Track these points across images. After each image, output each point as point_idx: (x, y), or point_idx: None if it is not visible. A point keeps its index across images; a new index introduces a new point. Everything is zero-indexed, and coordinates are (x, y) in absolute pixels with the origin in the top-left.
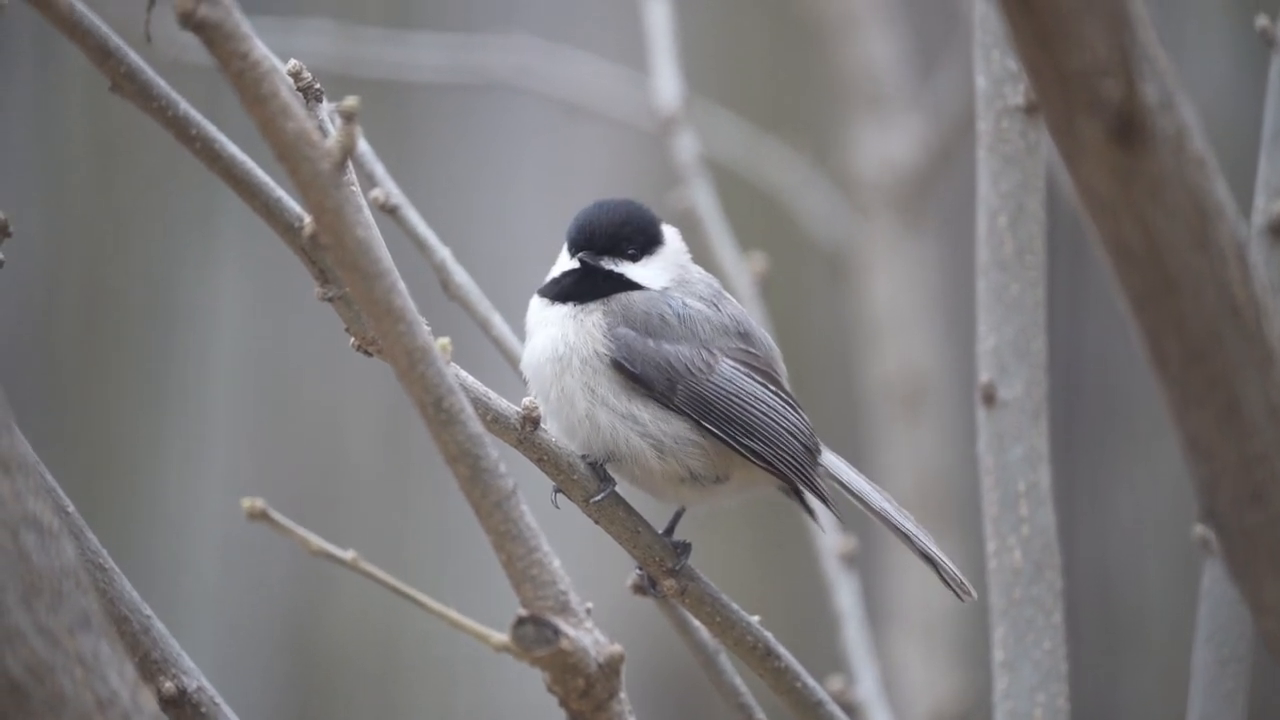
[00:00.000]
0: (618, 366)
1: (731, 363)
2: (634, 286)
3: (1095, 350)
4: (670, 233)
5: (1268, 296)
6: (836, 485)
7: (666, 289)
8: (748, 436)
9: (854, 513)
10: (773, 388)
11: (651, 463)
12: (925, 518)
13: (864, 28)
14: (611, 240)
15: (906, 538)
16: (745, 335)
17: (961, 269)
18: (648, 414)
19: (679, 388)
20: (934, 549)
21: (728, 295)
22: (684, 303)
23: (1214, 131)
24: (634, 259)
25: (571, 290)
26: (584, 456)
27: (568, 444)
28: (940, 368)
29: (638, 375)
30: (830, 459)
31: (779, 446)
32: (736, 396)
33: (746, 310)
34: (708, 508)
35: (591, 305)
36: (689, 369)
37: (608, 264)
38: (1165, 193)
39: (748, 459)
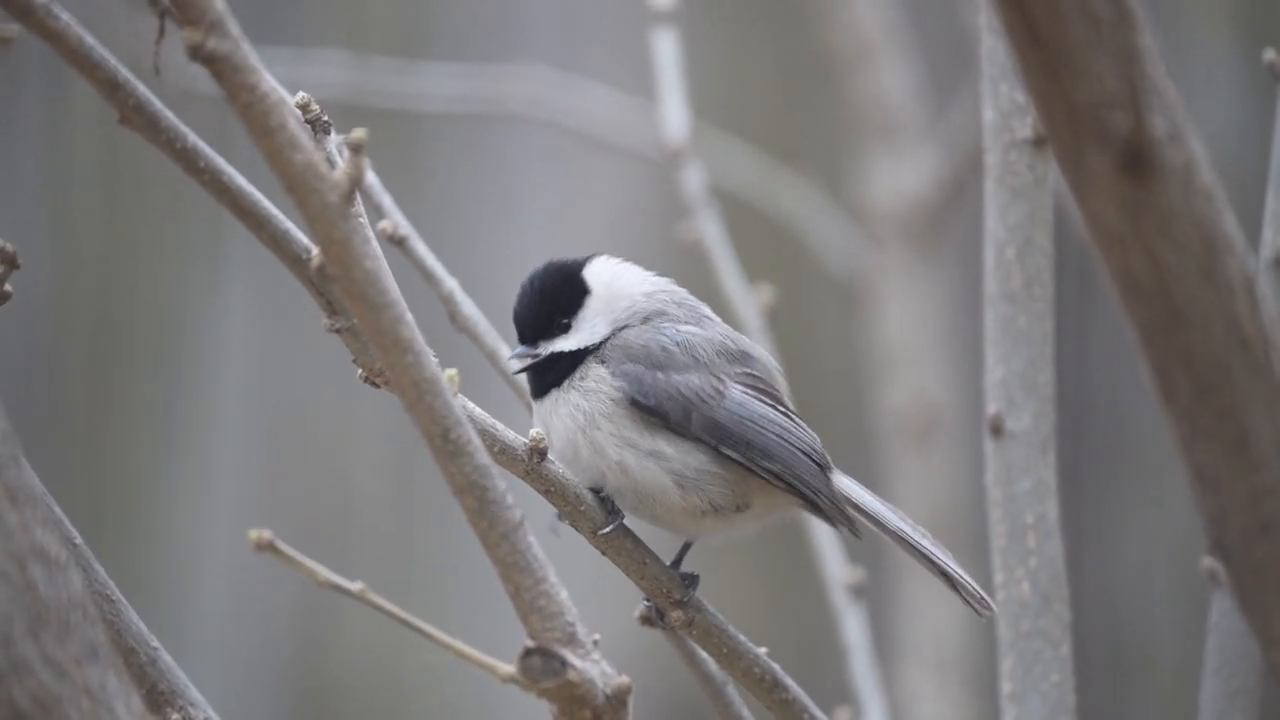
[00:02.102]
0: (633, 403)
1: (740, 387)
2: (577, 355)
3: (1103, 383)
4: (598, 271)
5: (1276, 329)
6: (850, 508)
7: (649, 318)
8: (767, 459)
9: (863, 543)
10: (781, 408)
11: (674, 499)
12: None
13: (876, 59)
14: (537, 324)
15: (924, 556)
16: (743, 355)
17: (974, 300)
18: (670, 448)
19: (694, 415)
20: (952, 565)
21: (706, 310)
22: (676, 329)
23: (1222, 164)
24: (566, 329)
25: (542, 382)
26: (596, 490)
27: (574, 476)
28: (952, 399)
29: (653, 408)
30: (843, 481)
31: (796, 466)
32: (751, 420)
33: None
34: (725, 538)
35: (580, 371)
36: (700, 396)
37: (544, 348)
38: (1173, 225)
39: (768, 482)
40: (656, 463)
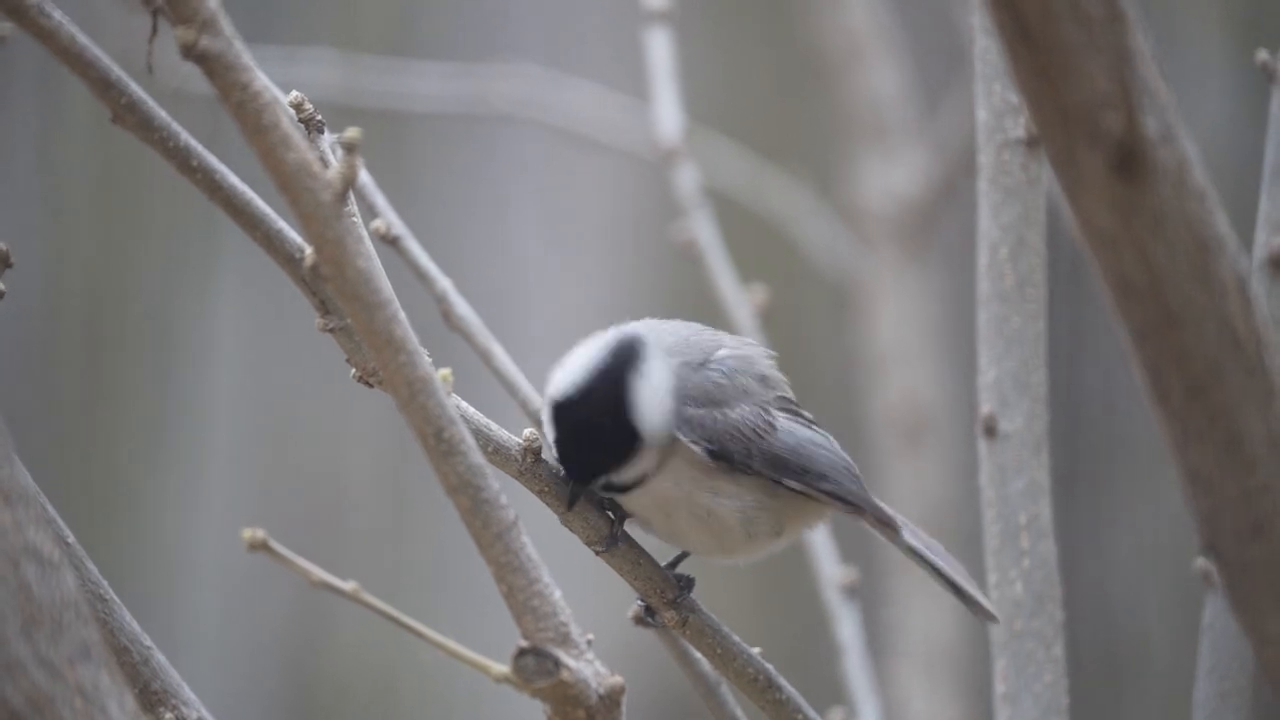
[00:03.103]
0: (710, 454)
1: (783, 415)
2: (626, 486)
3: (1096, 383)
4: (646, 383)
5: (1269, 330)
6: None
7: (692, 361)
8: (823, 480)
9: (855, 542)
10: (809, 424)
11: (738, 538)
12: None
13: (867, 59)
14: (592, 469)
15: (935, 571)
16: (764, 378)
17: (966, 301)
18: (730, 484)
19: (754, 451)
20: (960, 578)
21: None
22: (722, 360)
23: (1215, 165)
24: (620, 461)
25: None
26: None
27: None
28: (943, 400)
29: (716, 452)
30: None
31: (844, 481)
32: (802, 447)
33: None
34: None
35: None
36: (757, 431)
37: (601, 484)
38: (1166, 226)
39: (827, 503)
40: (721, 501)
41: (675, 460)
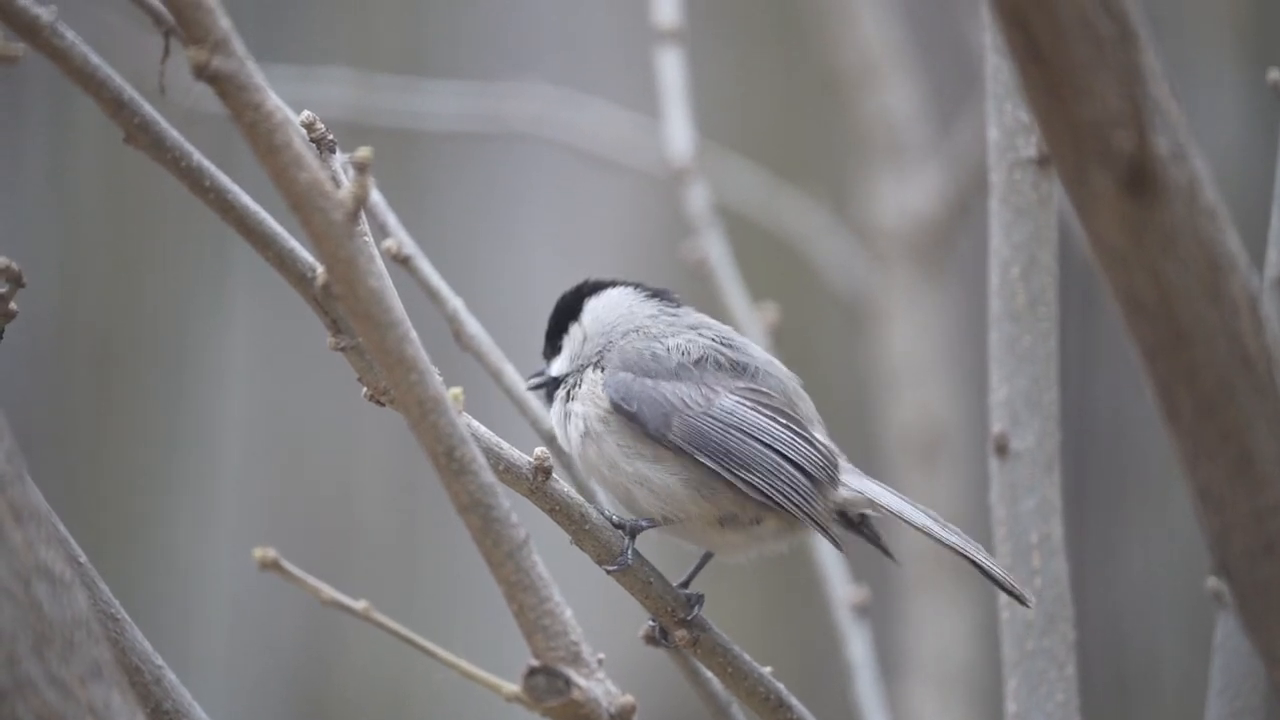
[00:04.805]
0: (616, 408)
1: (736, 398)
2: (555, 381)
3: (1107, 402)
4: (601, 299)
5: (1279, 349)
6: (875, 511)
7: (649, 332)
8: (745, 469)
9: (866, 561)
10: (783, 420)
11: (691, 507)
12: (940, 568)
13: (881, 78)
14: (548, 345)
15: (954, 550)
16: (753, 371)
17: (979, 319)
18: (669, 455)
19: (675, 421)
20: (984, 559)
21: (724, 334)
22: (673, 339)
23: (1225, 184)
24: (556, 352)
25: (550, 396)
26: (618, 525)
27: (579, 495)
28: (957, 418)
29: (634, 414)
30: (865, 484)
31: (778, 478)
32: (736, 429)
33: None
34: (754, 554)
35: (580, 379)
36: (685, 403)
37: (547, 369)
38: (1177, 244)
39: (746, 494)
40: (669, 471)
41: (605, 415)
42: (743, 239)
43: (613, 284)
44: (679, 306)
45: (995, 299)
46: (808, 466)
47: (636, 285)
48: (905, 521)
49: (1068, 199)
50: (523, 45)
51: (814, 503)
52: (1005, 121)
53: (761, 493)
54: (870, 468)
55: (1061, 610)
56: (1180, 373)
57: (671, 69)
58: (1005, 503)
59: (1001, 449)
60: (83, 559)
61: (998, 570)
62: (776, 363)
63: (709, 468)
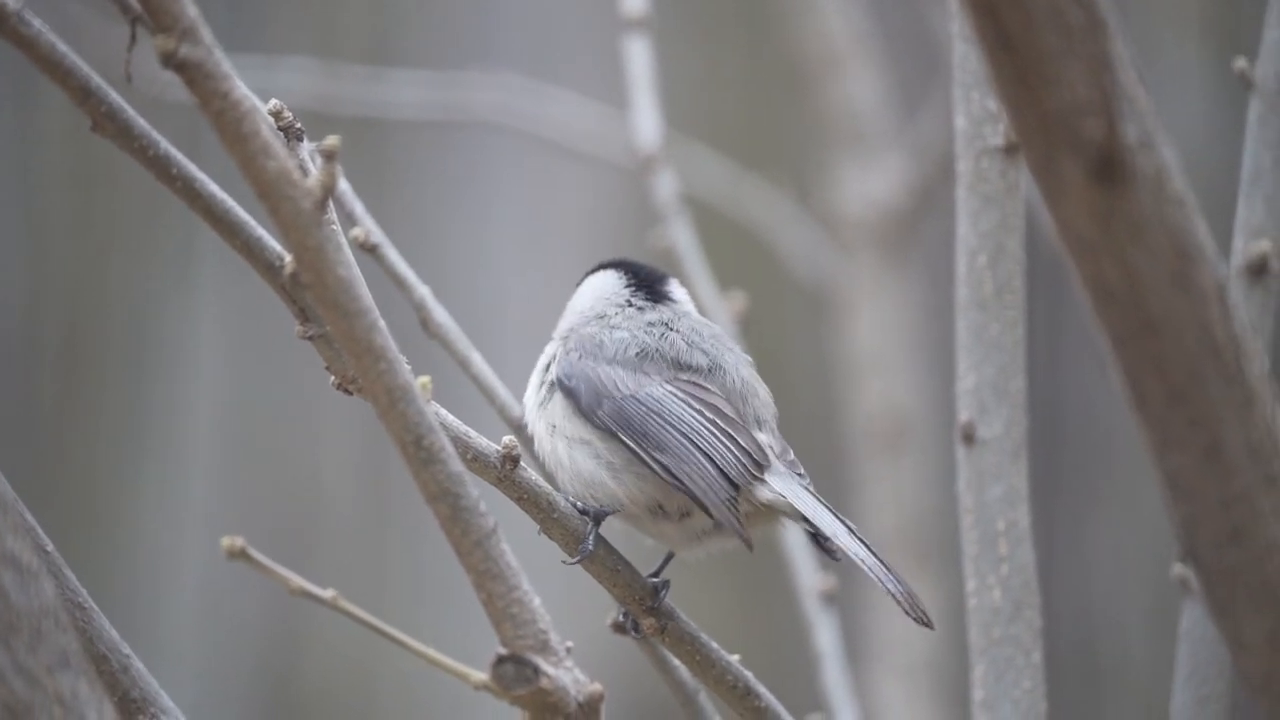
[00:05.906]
0: (558, 383)
1: (669, 388)
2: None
3: (1075, 390)
4: (592, 281)
5: (1248, 336)
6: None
7: (609, 320)
8: (659, 451)
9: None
10: (710, 415)
11: (611, 489)
12: (906, 556)
13: (845, 66)
14: None
15: (858, 564)
16: (687, 366)
17: (944, 307)
18: (595, 435)
19: (604, 402)
20: (885, 578)
21: (692, 332)
22: (623, 328)
23: (1193, 172)
24: None
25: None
26: (583, 511)
27: (547, 483)
28: (922, 406)
29: (571, 389)
30: (789, 486)
31: (691, 466)
32: (658, 415)
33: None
34: (702, 551)
35: (555, 349)
36: (617, 386)
37: None
38: (1145, 233)
39: (660, 476)
40: (586, 450)
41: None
42: (708, 229)
43: (611, 265)
44: (660, 300)
45: (962, 287)
46: (719, 460)
47: (628, 270)
48: (817, 529)
49: (1036, 187)
50: (489, 34)
51: (717, 494)
52: (972, 110)
53: (671, 474)
54: (836, 456)
55: (1028, 597)
56: (1148, 361)
57: (638, 59)
58: (972, 491)
59: (968, 437)
60: (50, 548)
61: (900, 592)
62: (744, 366)
63: (630, 451)
